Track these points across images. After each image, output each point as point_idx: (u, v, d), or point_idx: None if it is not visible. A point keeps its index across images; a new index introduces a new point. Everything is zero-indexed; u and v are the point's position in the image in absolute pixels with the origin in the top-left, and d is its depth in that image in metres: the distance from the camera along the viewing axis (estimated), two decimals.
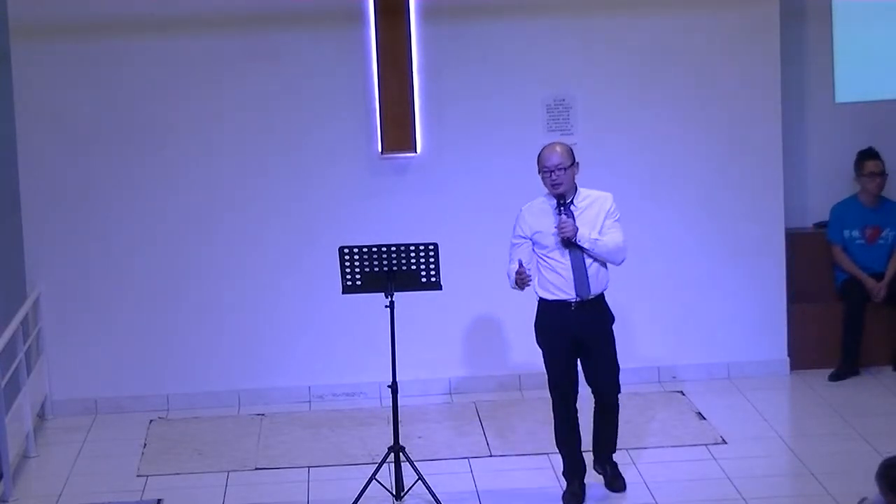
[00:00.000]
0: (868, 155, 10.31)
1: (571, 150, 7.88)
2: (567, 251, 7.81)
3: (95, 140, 9.82)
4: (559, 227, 7.76)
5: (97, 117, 9.81)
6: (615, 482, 8.19)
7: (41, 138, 9.80)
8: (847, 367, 10.10)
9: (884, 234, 10.32)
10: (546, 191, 7.87)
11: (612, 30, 9.95)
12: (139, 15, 9.73)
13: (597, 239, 7.78)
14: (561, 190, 7.78)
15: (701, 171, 10.09)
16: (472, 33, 9.90)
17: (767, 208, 10.14)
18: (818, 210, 10.61)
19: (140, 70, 9.79)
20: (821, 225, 10.58)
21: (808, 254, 10.42)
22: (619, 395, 8.10)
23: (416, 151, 9.91)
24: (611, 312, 8.00)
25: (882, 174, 10.28)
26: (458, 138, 9.96)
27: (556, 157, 7.77)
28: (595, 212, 7.83)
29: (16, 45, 9.71)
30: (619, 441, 8.22)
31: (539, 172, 7.84)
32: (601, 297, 7.92)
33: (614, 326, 8.01)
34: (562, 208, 7.79)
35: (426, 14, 9.84)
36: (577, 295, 7.82)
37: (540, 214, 7.89)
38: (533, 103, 9.96)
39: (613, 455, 8.24)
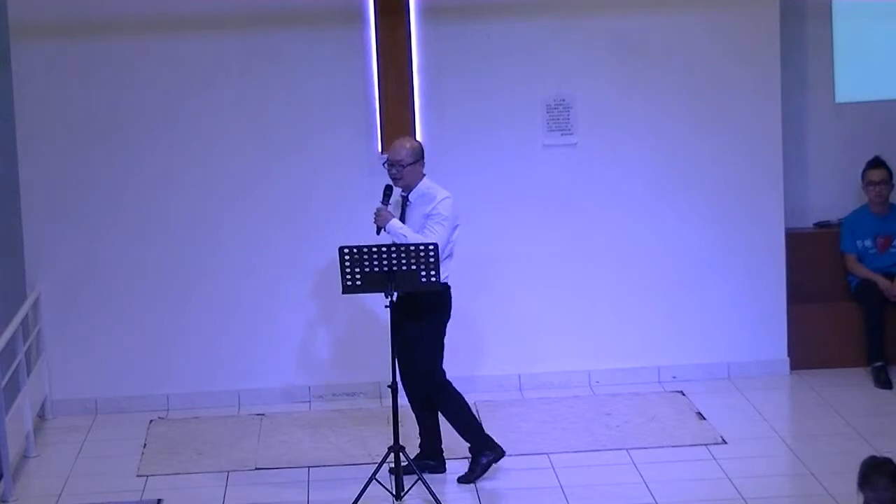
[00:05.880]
0: (872, 164, 10.27)
1: (416, 150, 8.21)
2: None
3: (95, 140, 9.82)
4: (374, 215, 8.17)
5: (97, 117, 9.81)
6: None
7: (41, 138, 9.79)
8: (882, 366, 9.95)
9: (895, 242, 10.29)
10: None
11: (612, 30, 9.95)
12: (139, 15, 9.72)
13: (405, 235, 8.07)
14: (399, 184, 8.21)
15: (701, 171, 10.08)
16: (472, 33, 9.90)
17: (767, 208, 10.14)
18: (818, 210, 10.61)
19: (140, 70, 9.79)
20: (821, 225, 10.57)
21: (808, 254, 10.41)
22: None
23: None
24: (424, 309, 8.14)
25: (883, 183, 10.22)
26: (458, 138, 9.96)
27: (395, 153, 8.19)
28: (422, 211, 8.14)
29: (16, 45, 9.70)
30: (619, 441, 8.21)
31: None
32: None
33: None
34: (384, 198, 8.17)
35: (426, 14, 9.84)
36: None
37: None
38: (533, 103, 9.95)
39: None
